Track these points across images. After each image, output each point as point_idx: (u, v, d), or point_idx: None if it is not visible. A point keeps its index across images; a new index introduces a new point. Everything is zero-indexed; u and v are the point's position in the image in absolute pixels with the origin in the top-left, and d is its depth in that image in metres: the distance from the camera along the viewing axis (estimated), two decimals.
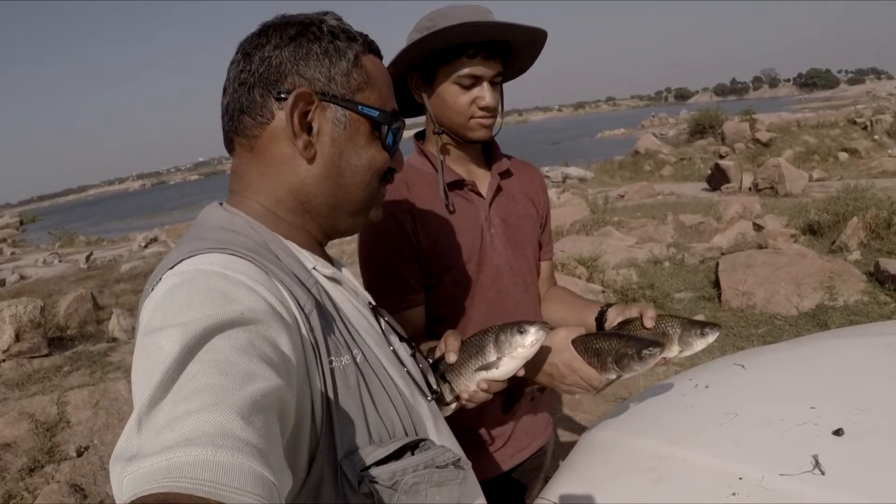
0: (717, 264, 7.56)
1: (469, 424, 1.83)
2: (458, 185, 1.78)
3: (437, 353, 1.37)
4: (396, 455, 0.90)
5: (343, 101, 1.01)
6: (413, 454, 0.92)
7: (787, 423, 1.44)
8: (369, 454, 0.87)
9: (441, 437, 1.11)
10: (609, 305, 1.69)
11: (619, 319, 1.58)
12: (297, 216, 1.05)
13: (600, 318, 1.68)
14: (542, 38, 1.68)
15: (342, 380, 0.90)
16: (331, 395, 0.87)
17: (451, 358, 1.30)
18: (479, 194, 1.80)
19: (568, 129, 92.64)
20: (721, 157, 21.45)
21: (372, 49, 1.09)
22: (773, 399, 1.61)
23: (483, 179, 1.85)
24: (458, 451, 1.14)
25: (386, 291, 1.71)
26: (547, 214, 2.01)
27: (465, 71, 1.63)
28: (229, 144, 1.07)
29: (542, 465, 2.03)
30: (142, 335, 0.75)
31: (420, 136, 1.87)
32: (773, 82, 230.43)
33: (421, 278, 1.74)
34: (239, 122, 1.02)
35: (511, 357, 1.26)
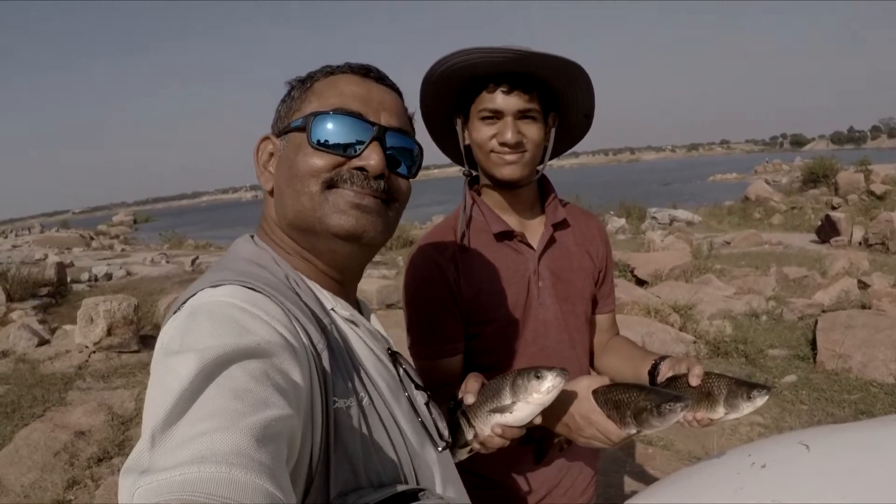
0: (816, 322, 7.14)
1: (502, 479, 1.77)
2: (506, 235, 1.72)
3: (459, 395, 1.34)
4: (392, 502, 0.88)
5: (282, 128, 1.07)
6: (410, 503, 0.90)
7: None
8: (362, 497, 0.86)
9: (447, 488, 1.09)
10: (663, 358, 1.61)
11: (669, 374, 1.50)
12: (298, 251, 1.07)
13: (653, 372, 1.60)
14: (571, 69, 1.57)
15: (343, 421, 0.90)
16: (331, 434, 0.87)
17: (469, 399, 1.27)
18: (530, 246, 1.73)
19: (680, 170, 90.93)
20: (833, 208, 20.50)
21: (338, 70, 1.09)
22: (828, 492, 1.46)
23: (535, 230, 1.77)
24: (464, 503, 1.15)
25: (424, 338, 1.68)
26: (606, 267, 1.91)
27: (485, 105, 1.59)
28: None
29: None
30: (160, 357, 0.79)
31: (473, 183, 1.80)
32: (893, 132, 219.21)
33: (461, 328, 1.69)
34: None
35: (526, 402, 1.22)
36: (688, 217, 23.01)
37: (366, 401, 0.95)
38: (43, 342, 8.06)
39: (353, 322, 1.06)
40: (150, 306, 10.05)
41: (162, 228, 36.91)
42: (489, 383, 1.30)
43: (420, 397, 1.16)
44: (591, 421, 1.37)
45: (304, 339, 0.88)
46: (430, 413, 1.16)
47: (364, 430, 0.92)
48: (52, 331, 8.63)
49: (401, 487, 0.90)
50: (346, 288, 1.13)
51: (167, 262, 20.16)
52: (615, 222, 21.56)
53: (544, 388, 1.20)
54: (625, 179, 71.36)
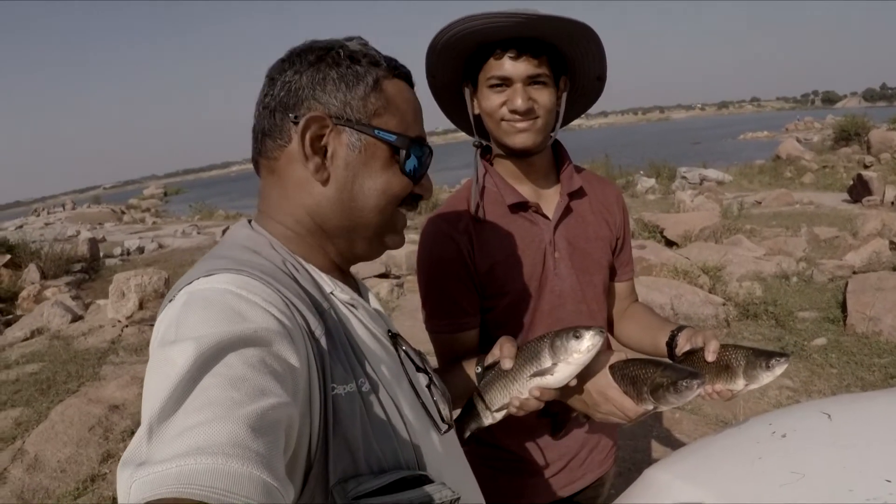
0: (847, 284, 7.01)
1: (520, 450, 1.78)
2: (521, 206, 1.68)
3: (490, 359, 1.35)
4: (392, 488, 0.87)
5: (358, 125, 1.01)
6: (410, 489, 0.89)
7: (856, 495, 1.28)
8: (362, 483, 0.85)
9: (451, 470, 1.09)
10: (681, 329, 1.60)
11: (687, 347, 1.50)
12: (316, 238, 1.06)
13: (671, 342, 1.59)
14: (580, 31, 1.51)
15: (343, 407, 0.89)
16: (330, 421, 0.87)
17: (507, 364, 1.28)
18: (545, 216, 1.70)
19: (710, 128, 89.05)
20: (865, 167, 20.03)
21: (399, 74, 1.08)
22: (849, 462, 1.44)
23: (550, 199, 1.73)
24: (468, 486, 1.15)
25: (439, 313, 1.67)
26: (624, 234, 1.88)
27: (493, 72, 1.55)
28: (256, 166, 1.10)
29: (599, 496, 1.95)
30: (156, 347, 0.78)
31: (486, 153, 1.77)
32: None
33: (476, 302, 1.68)
34: (262, 144, 1.06)
35: (566, 363, 1.24)
36: (718, 176, 22.60)
37: (366, 386, 0.94)
38: (77, 318, 8.22)
39: (352, 305, 1.05)
40: (179, 278, 10.17)
41: (192, 200, 37.14)
42: (525, 346, 1.30)
43: (422, 379, 1.15)
44: (607, 397, 1.36)
45: (302, 325, 0.88)
46: (432, 395, 1.16)
47: (364, 415, 0.92)
48: (86, 306, 8.80)
49: (401, 473, 0.90)
50: (345, 271, 1.14)
51: (198, 233, 20.36)
52: (645, 182, 21.29)
53: (584, 348, 1.22)
54: (654, 139, 70.42)
